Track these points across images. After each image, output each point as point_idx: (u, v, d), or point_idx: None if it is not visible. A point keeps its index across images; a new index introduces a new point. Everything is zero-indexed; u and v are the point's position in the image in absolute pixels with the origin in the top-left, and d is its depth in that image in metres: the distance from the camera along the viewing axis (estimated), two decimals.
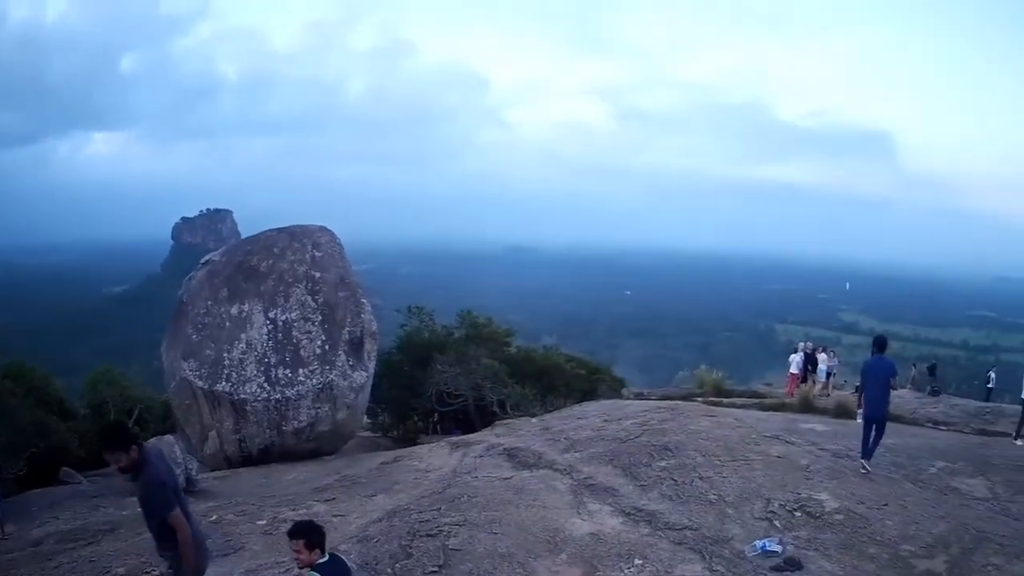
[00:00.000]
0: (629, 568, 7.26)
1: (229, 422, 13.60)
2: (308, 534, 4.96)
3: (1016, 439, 13.85)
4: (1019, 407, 14.22)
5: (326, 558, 4.99)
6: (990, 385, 25.83)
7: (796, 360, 22.10)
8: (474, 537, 7.83)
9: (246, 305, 14.13)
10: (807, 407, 17.55)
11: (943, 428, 16.67)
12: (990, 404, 21.47)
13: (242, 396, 13.42)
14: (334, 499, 9.98)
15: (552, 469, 10.01)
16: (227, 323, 14.06)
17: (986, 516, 9.13)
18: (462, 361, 17.83)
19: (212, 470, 13.09)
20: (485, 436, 12.22)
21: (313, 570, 4.88)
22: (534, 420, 13.29)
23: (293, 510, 9.39)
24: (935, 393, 22.66)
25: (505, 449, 10.85)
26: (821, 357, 22.40)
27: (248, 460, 13.62)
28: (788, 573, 7.22)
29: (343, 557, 5.46)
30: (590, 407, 13.81)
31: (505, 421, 14.00)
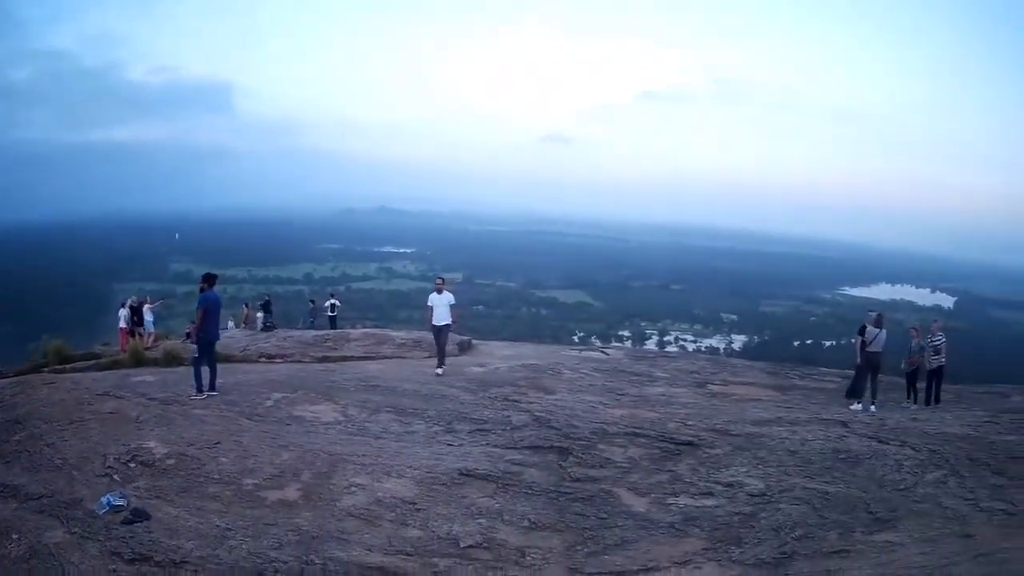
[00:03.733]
0: (9, 544, 7.32)
1: None
2: None
3: (438, 368, 14.76)
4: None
5: None
6: (332, 313, 29.55)
7: (123, 315, 23.49)
8: None
9: None
10: (139, 360, 18.50)
11: (279, 361, 18.23)
12: (332, 331, 24.43)
13: None
14: None
15: None
16: None
17: (339, 439, 10.08)
18: None
19: None
20: None
21: None
22: None
23: None
24: (269, 328, 25.55)
25: None
26: (146, 309, 24.03)
27: None
28: (138, 524, 7.54)
29: None
30: None
31: None
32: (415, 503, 7.94)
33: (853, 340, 14.82)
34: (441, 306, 15.15)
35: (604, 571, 6.73)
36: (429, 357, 15.85)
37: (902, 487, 8.54)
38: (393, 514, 7.73)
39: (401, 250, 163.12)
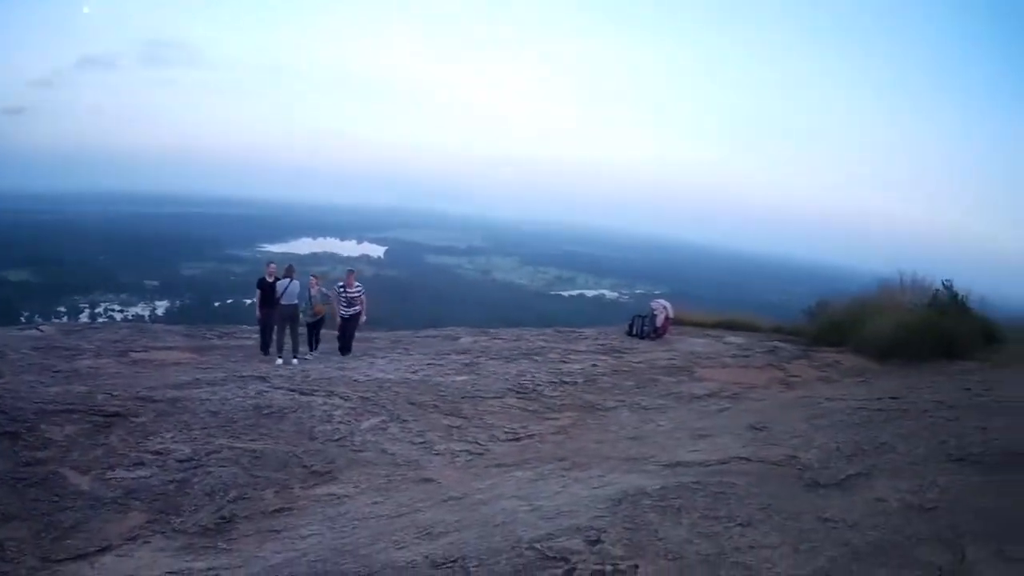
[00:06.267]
0: None
1: None
2: None
3: None
4: None
5: None
6: None
7: None
8: None
9: None
10: None
11: None
12: None
13: None
14: None
15: None
16: None
17: None
18: None
19: None
20: None
21: None
22: None
23: None
24: None
25: None
26: None
27: None
28: None
29: None
30: None
31: None
32: None
33: (257, 304, 15.21)
34: None
35: (68, 556, 6.66)
36: None
37: (336, 437, 9.18)
38: None
39: None
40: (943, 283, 16.95)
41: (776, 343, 16.92)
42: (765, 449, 7.86)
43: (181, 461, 8.38)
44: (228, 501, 7.45)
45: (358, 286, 15.80)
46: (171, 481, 7.93)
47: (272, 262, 15.73)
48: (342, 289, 15.64)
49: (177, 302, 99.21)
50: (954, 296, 16.56)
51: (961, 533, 5.13)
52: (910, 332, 14.95)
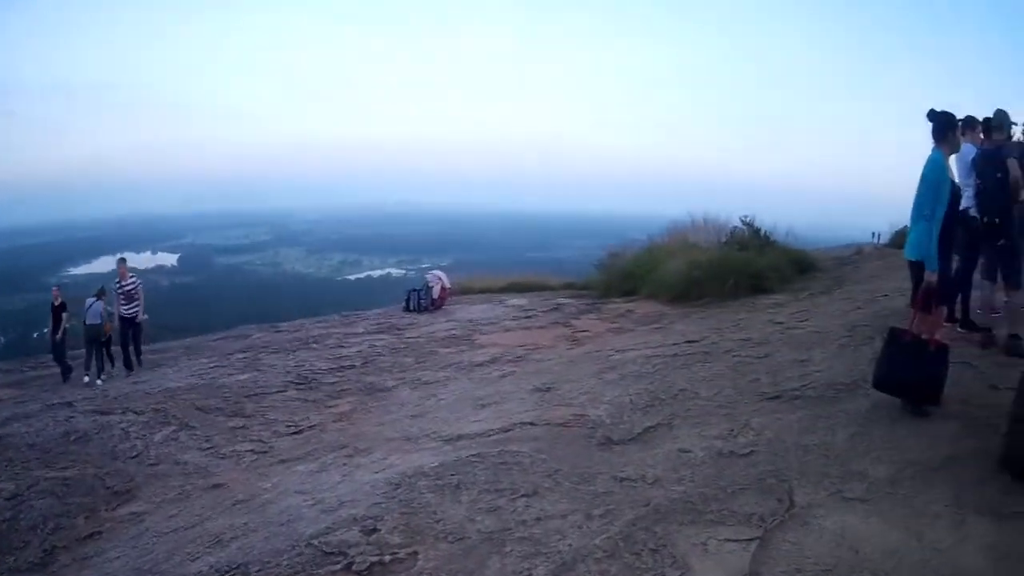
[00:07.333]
0: None
1: None
2: None
3: None
4: None
5: None
6: None
7: None
8: None
9: None
10: None
11: None
12: None
13: None
14: None
15: None
16: None
17: None
18: None
19: None
20: None
21: None
22: None
23: None
24: None
25: None
26: None
27: None
28: None
29: None
30: None
31: None
32: None
33: (50, 330, 15.30)
34: None
35: None
36: None
37: (134, 454, 9.12)
38: None
39: None
40: (741, 219, 17.23)
41: (561, 300, 16.82)
42: (551, 411, 7.73)
43: (8, 499, 8.25)
44: (48, 533, 7.48)
45: (132, 277, 15.10)
46: (2, 521, 7.83)
47: (56, 286, 16.04)
48: (118, 285, 14.92)
49: (2, 339, 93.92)
50: (756, 231, 16.71)
51: (786, 477, 5.05)
52: (704, 271, 14.70)
